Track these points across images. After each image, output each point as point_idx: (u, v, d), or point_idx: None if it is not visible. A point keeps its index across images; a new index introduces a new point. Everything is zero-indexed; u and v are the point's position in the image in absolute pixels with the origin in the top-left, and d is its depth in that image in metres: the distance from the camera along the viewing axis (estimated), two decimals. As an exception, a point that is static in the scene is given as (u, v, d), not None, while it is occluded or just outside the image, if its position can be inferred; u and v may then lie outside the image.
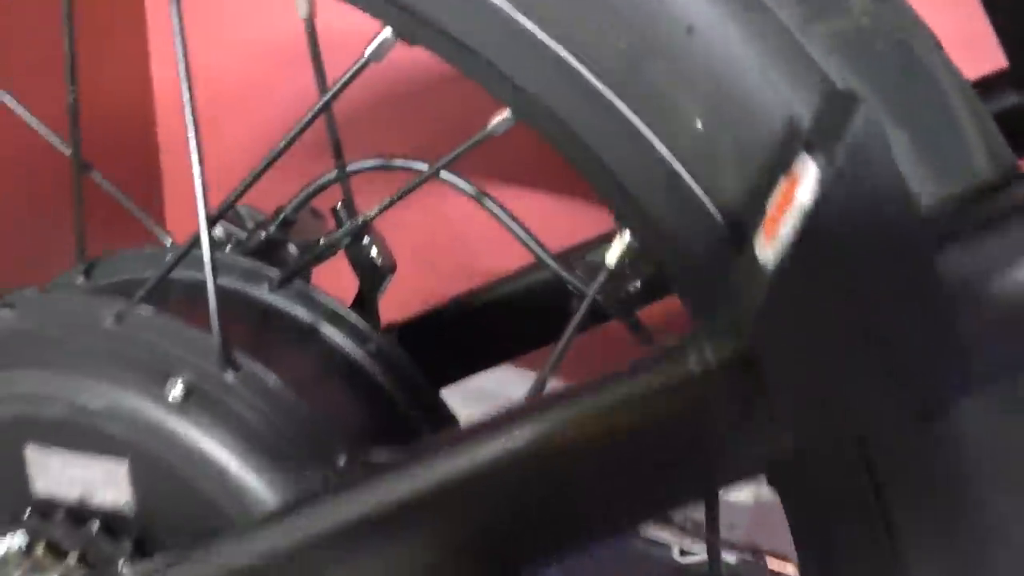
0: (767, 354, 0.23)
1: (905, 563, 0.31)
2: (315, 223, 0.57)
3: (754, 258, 0.25)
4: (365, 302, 0.57)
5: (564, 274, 0.47)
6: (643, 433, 0.26)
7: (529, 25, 0.33)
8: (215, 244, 0.42)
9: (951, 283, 0.22)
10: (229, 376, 0.42)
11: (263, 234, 0.54)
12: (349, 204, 0.51)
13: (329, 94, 0.41)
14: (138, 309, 0.43)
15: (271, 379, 0.42)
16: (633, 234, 0.37)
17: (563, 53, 0.33)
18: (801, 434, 0.23)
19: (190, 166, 0.41)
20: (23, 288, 0.49)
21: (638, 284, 0.51)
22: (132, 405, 0.43)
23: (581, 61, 0.33)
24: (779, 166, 0.26)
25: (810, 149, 0.24)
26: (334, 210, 0.56)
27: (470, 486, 0.30)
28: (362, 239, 0.52)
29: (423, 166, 0.50)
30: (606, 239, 0.53)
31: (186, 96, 0.41)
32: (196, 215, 0.43)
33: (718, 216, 0.32)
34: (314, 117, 0.42)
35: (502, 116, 0.39)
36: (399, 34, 0.38)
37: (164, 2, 0.43)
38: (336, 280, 0.55)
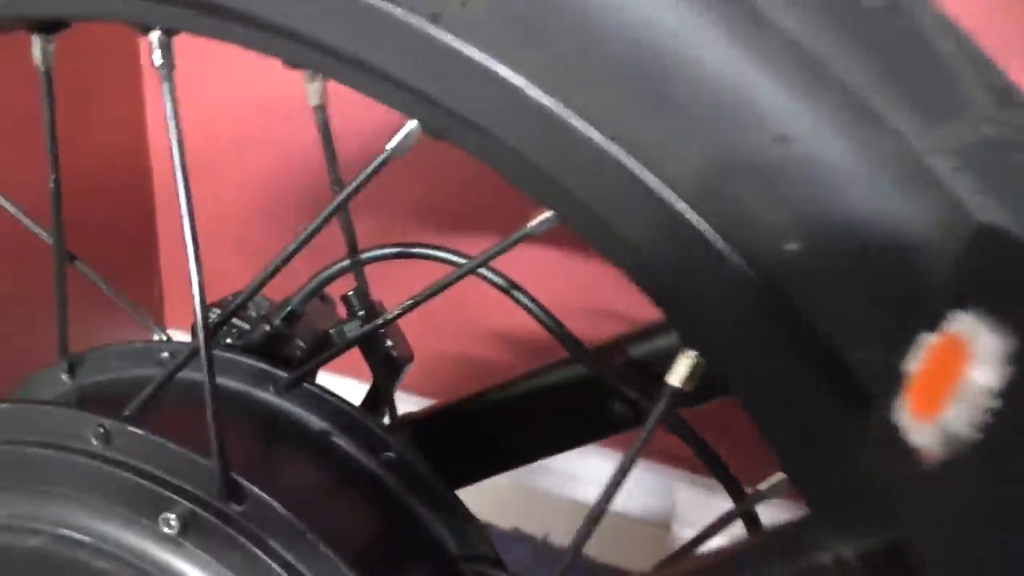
0: (926, 549, 0.19)
1: None
2: (324, 310, 0.52)
3: (894, 432, 0.20)
4: (380, 396, 0.52)
5: (615, 382, 0.42)
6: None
7: (588, 129, 0.28)
8: (212, 359, 0.37)
9: None
10: (231, 507, 0.37)
11: (267, 327, 0.49)
12: (363, 294, 0.46)
13: (345, 192, 0.36)
14: (127, 426, 0.38)
15: (279, 509, 0.37)
16: (705, 358, 0.33)
17: (626, 160, 0.28)
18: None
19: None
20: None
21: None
22: (121, 538, 0.37)
23: (650, 168, 0.28)
24: (913, 317, 0.22)
25: (970, 306, 0.19)
26: (345, 297, 0.52)
27: None
28: (376, 335, 0.47)
29: (448, 255, 0.45)
30: (645, 334, 0.49)
31: (183, 199, 0.37)
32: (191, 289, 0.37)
33: (811, 356, 0.27)
34: (329, 215, 0.37)
35: (544, 217, 0.34)
36: (427, 129, 0.33)
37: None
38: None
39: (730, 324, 0.29)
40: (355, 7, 0.29)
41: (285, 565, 0.36)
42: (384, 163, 0.35)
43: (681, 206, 0.28)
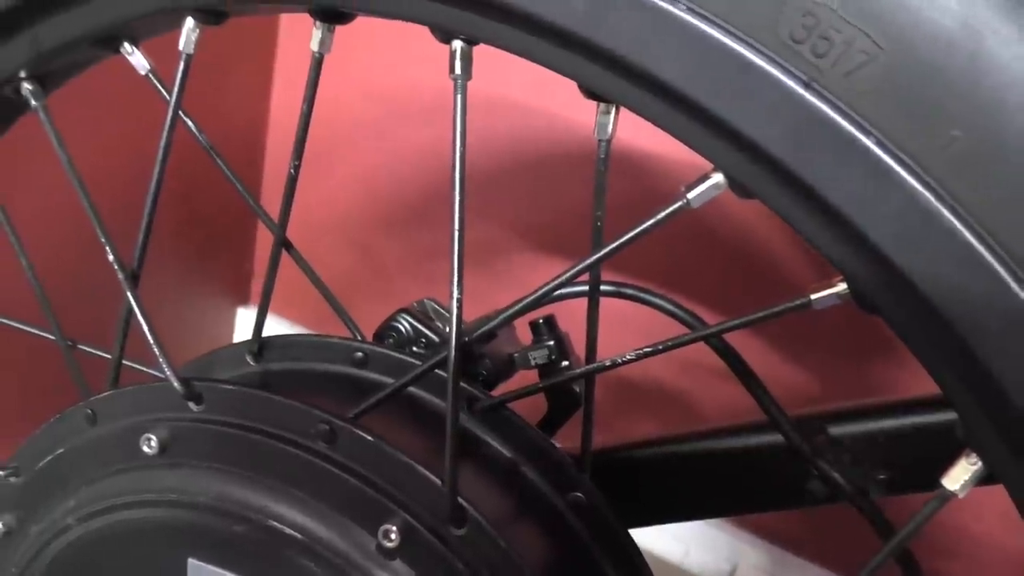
0: None
1: None
2: (508, 334, 0.52)
3: None
4: (551, 426, 0.51)
5: (823, 467, 0.41)
6: None
7: (955, 221, 0.27)
8: (458, 387, 0.36)
9: None
10: (454, 531, 0.36)
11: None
12: (592, 348, 0.45)
13: (612, 245, 0.35)
14: (356, 429, 0.37)
15: (500, 542, 0.36)
16: (980, 456, 0.31)
17: (990, 258, 0.27)
18: None
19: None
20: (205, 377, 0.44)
21: (882, 472, 0.45)
22: (333, 541, 0.37)
23: (1009, 271, 0.27)
24: None
25: None
26: (534, 324, 0.51)
27: None
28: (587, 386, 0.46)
29: (685, 315, 0.44)
30: (848, 415, 0.47)
31: (455, 203, 0.36)
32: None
33: None
34: (583, 269, 0.36)
35: (836, 290, 0.33)
36: (734, 183, 0.32)
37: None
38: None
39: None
40: (718, 53, 0.29)
41: (495, 597, 0.36)
42: (675, 213, 0.34)
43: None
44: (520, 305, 0.38)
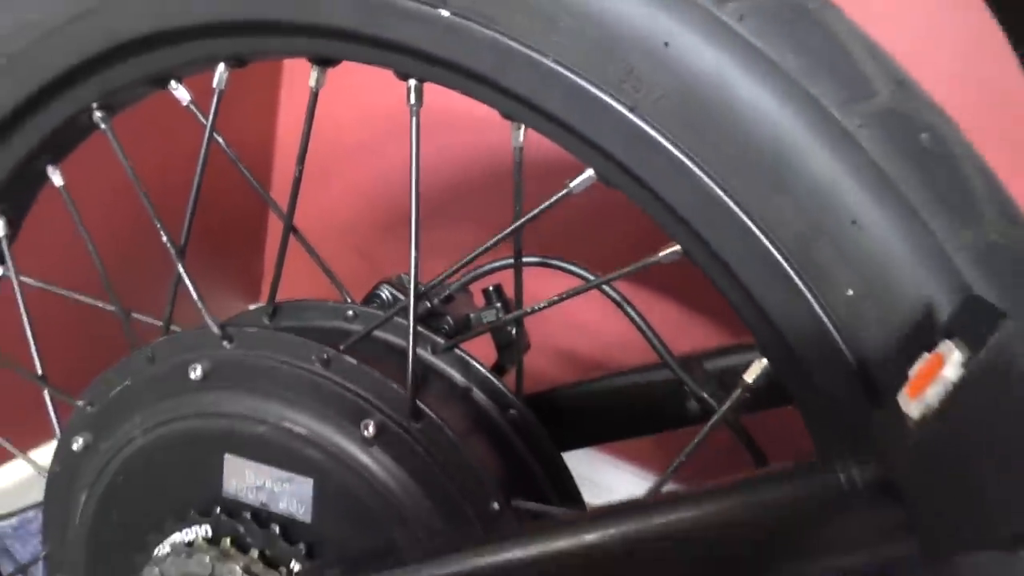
0: (911, 482, 0.32)
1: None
2: (465, 299, 0.67)
3: (898, 408, 0.34)
4: (502, 370, 0.65)
5: (692, 385, 0.56)
6: (790, 527, 0.34)
7: (724, 197, 0.42)
8: (416, 315, 0.51)
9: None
10: (413, 424, 0.51)
11: (428, 304, 0.63)
12: (519, 297, 0.60)
13: (526, 218, 0.50)
14: (343, 357, 0.52)
15: (447, 432, 0.51)
16: (773, 366, 0.46)
17: (747, 221, 0.42)
18: (925, 543, 0.32)
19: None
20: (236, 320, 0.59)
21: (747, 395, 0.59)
22: (329, 436, 0.51)
23: (762, 229, 0.42)
24: (919, 342, 0.35)
25: (953, 337, 0.32)
26: (486, 292, 0.66)
27: (628, 553, 0.38)
28: (518, 329, 0.61)
29: (581, 271, 0.59)
30: (722, 352, 0.62)
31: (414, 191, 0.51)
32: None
33: (854, 366, 0.41)
34: (510, 234, 0.51)
35: (672, 250, 0.48)
36: (600, 176, 0.47)
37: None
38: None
39: (802, 344, 0.42)
40: (578, 91, 0.43)
41: (445, 471, 0.50)
42: (561, 199, 0.49)
43: (780, 257, 0.41)
44: (458, 265, 0.53)
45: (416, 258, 0.51)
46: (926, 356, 0.34)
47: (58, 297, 0.69)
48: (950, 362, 0.32)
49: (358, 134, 1.39)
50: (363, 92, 1.32)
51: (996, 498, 0.31)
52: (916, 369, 0.34)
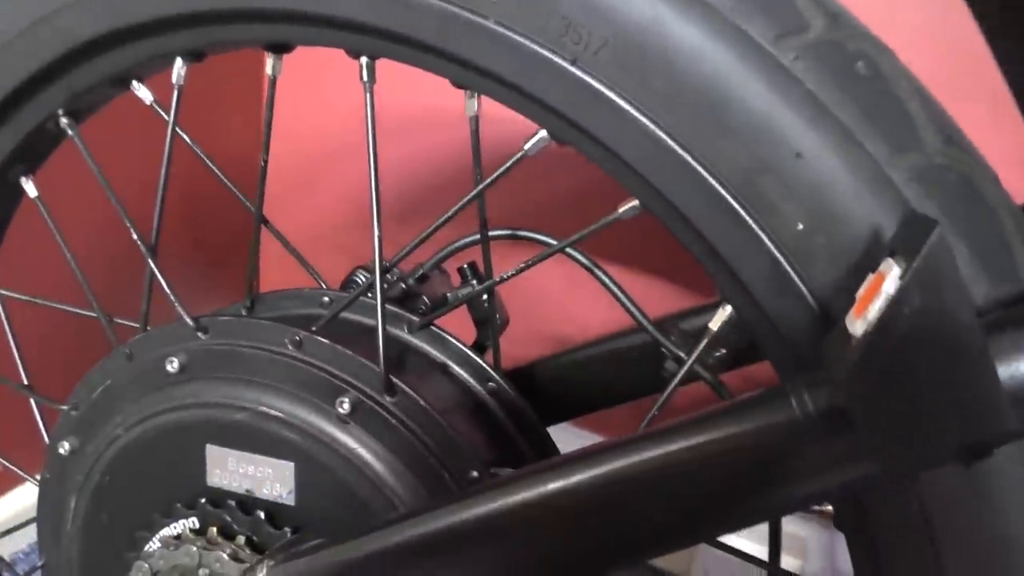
0: (857, 400, 0.32)
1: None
2: (442, 279, 0.67)
3: (845, 330, 0.34)
4: (481, 348, 0.66)
5: (664, 341, 0.56)
6: (750, 459, 0.34)
7: (670, 141, 0.42)
8: (382, 292, 0.51)
9: (996, 358, 0.31)
10: (388, 399, 0.51)
11: (403, 285, 0.63)
12: (488, 268, 0.60)
13: (486, 182, 0.51)
14: (315, 338, 0.53)
15: (422, 403, 0.51)
16: (736, 311, 0.46)
17: (695, 164, 0.42)
18: (881, 462, 0.32)
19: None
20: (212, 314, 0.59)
21: (724, 352, 0.60)
22: (306, 416, 0.52)
23: (710, 171, 0.42)
24: (867, 265, 0.35)
25: (894, 255, 0.32)
26: (460, 269, 0.66)
27: (597, 494, 0.38)
28: (490, 299, 0.61)
29: (545, 238, 0.59)
30: (696, 311, 0.62)
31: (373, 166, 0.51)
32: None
33: (810, 299, 0.41)
34: (472, 199, 0.51)
35: (630, 204, 0.48)
36: (553, 136, 0.47)
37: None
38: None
39: (759, 284, 0.42)
40: (516, 48, 0.44)
41: (422, 443, 0.50)
42: (518, 161, 0.49)
43: (730, 197, 0.41)
44: (421, 237, 0.53)
45: (379, 234, 0.51)
46: (871, 276, 0.34)
47: (41, 306, 0.69)
48: (889, 277, 0.32)
49: (343, 138, 1.39)
50: (343, 95, 1.33)
51: (940, 410, 0.31)
52: (861, 289, 0.34)
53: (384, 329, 0.51)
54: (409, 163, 1.35)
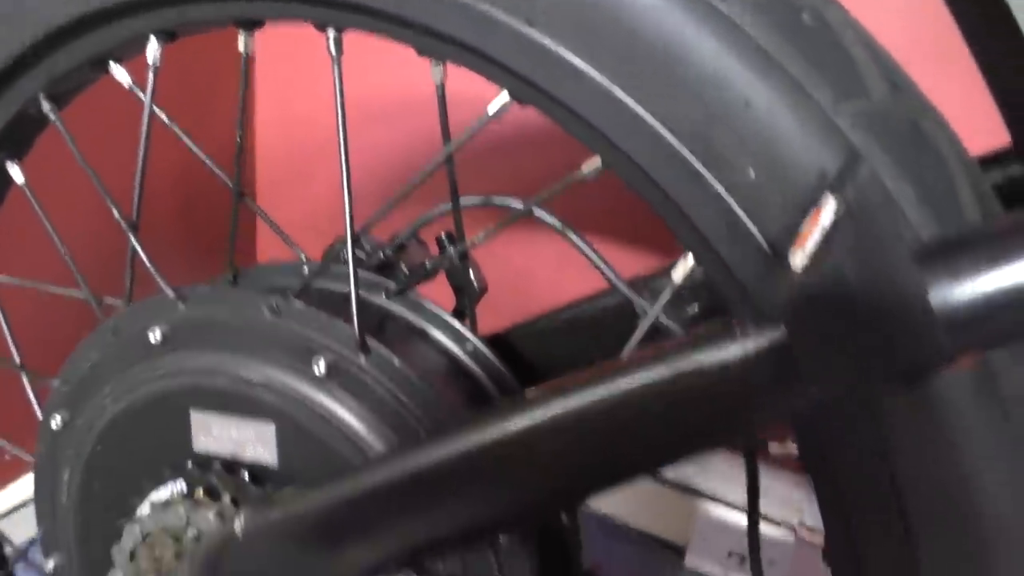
0: (794, 328, 0.33)
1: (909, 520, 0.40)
2: (420, 249, 0.68)
3: (788, 266, 0.35)
4: (461, 315, 0.67)
5: (633, 296, 0.57)
6: (703, 392, 0.36)
7: (625, 97, 0.43)
8: (354, 253, 0.53)
9: (931, 288, 0.32)
10: (363, 358, 0.52)
11: (381, 255, 0.65)
12: (460, 233, 0.62)
13: (453, 145, 0.52)
14: (291, 303, 0.54)
15: (397, 362, 0.52)
16: (696, 259, 0.47)
17: (650, 119, 0.43)
18: (818, 389, 0.33)
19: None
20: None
21: (696, 308, 0.61)
22: (284, 379, 0.53)
23: (664, 125, 0.43)
24: (812, 206, 0.36)
25: (832, 190, 0.34)
26: (438, 238, 0.67)
27: (562, 426, 0.39)
28: (463, 264, 0.63)
29: (516, 202, 0.60)
30: (666, 271, 0.63)
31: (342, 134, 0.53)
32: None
33: (764, 244, 0.42)
34: (437, 166, 0.53)
35: (593, 164, 0.49)
36: (515, 97, 0.49)
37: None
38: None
39: (712, 227, 0.43)
40: (471, 11, 0.45)
41: (398, 401, 0.52)
42: (484, 124, 0.50)
43: (684, 150, 0.43)
44: (391, 202, 0.54)
45: (349, 199, 0.53)
46: (812, 212, 0.35)
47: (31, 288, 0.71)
48: (825, 210, 0.33)
49: (333, 124, 1.40)
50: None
51: (874, 335, 0.32)
52: (803, 226, 0.35)
53: (356, 289, 0.52)
54: (395, 148, 1.36)
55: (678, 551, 1.34)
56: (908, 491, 0.41)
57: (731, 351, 0.35)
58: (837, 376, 0.33)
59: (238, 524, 0.46)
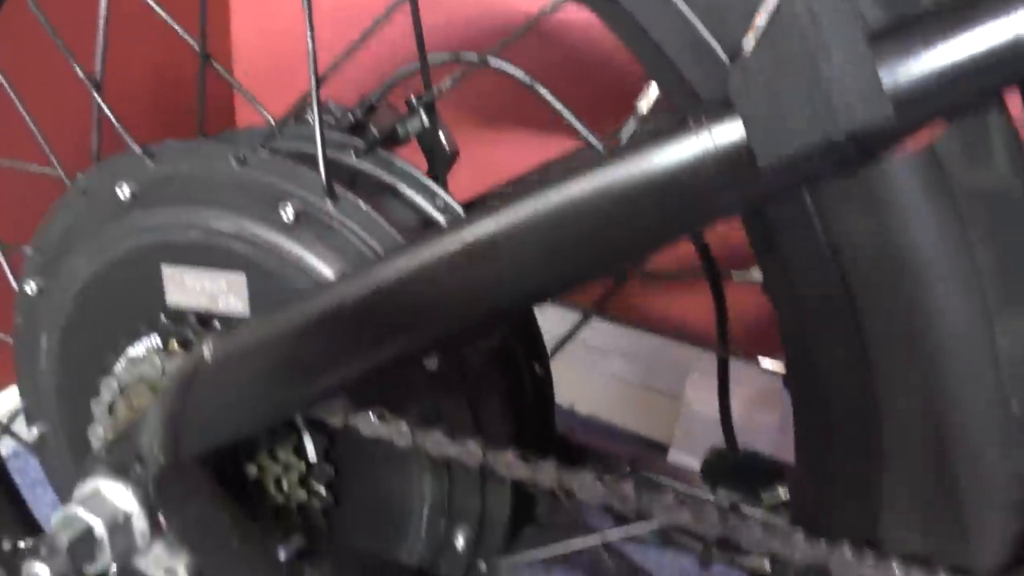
0: (748, 110, 0.33)
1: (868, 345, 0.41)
2: (390, 113, 0.68)
3: (741, 52, 0.35)
4: (434, 179, 0.67)
5: (594, 140, 0.56)
6: (663, 185, 0.36)
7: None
8: (320, 103, 0.52)
9: (881, 61, 0.32)
10: (331, 204, 0.52)
11: (351, 117, 0.64)
12: (427, 83, 0.61)
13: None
14: (258, 153, 0.54)
15: (364, 208, 0.52)
16: (660, 86, 0.47)
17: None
18: (776, 173, 0.33)
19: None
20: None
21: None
22: (253, 228, 0.53)
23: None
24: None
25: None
26: (407, 100, 0.67)
27: (544, 221, 0.39)
28: (433, 126, 0.62)
29: (475, 57, 0.60)
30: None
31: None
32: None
33: (725, 59, 0.41)
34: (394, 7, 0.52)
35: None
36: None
37: None
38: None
39: (676, 53, 0.43)
40: None
41: (368, 246, 0.52)
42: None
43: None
44: (347, 51, 0.54)
45: (312, 35, 0.52)
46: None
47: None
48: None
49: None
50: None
51: (824, 107, 0.32)
52: (756, 15, 0.35)
53: (322, 129, 0.52)
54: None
55: (662, 449, 1.37)
56: (859, 292, 0.40)
57: (688, 141, 0.35)
58: (788, 153, 0.33)
59: (206, 349, 0.47)
